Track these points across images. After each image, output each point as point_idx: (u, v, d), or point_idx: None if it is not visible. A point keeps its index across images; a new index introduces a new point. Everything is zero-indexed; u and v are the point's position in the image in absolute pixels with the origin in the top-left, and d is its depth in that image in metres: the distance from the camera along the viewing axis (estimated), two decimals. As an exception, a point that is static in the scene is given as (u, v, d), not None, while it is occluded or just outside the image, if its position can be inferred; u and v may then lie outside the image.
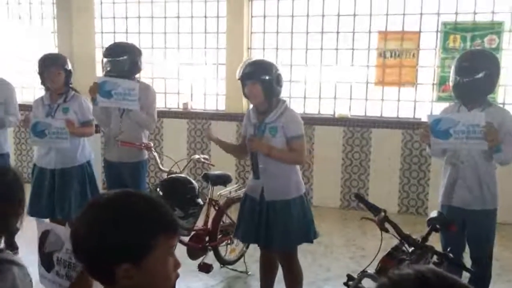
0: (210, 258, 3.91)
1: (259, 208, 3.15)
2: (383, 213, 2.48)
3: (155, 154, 3.81)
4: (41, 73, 4.02)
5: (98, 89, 3.76)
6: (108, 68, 3.91)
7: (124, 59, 3.89)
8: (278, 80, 3.12)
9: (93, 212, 1.13)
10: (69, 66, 4.08)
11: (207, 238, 3.85)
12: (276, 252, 3.26)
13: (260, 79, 3.06)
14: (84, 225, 1.11)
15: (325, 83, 6.01)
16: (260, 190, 3.15)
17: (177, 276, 1.19)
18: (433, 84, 5.62)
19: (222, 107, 6.36)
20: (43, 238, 1.87)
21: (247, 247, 4.09)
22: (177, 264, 1.17)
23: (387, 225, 2.48)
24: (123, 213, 1.10)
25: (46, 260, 1.86)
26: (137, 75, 4.11)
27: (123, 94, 3.73)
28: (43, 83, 4.09)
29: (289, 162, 3.14)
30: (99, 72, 4.17)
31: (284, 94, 3.27)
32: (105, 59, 3.95)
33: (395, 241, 2.51)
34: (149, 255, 1.08)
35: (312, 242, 3.29)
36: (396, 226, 2.46)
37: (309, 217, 3.23)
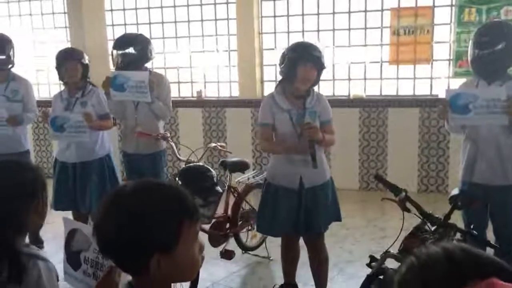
0: (231, 245, 3.93)
1: (297, 197, 3.07)
2: (404, 193, 2.45)
3: (172, 144, 3.82)
4: (59, 67, 4.05)
5: (111, 83, 3.77)
6: (119, 61, 3.92)
7: (132, 50, 3.89)
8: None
9: (117, 206, 1.12)
10: (86, 60, 4.10)
11: (227, 225, 3.86)
12: (304, 237, 3.24)
13: (321, 65, 3.00)
14: (110, 221, 1.11)
15: (339, 64, 5.95)
16: (298, 180, 3.07)
17: (203, 258, 1.21)
18: (449, 59, 5.52)
19: (235, 93, 6.35)
20: (70, 236, 1.88)
21: (268, 233, 4.09)
22: (201, 247, 1.19)
23: (408, 205, 2.45)
24: (150, 204, 1.10)
25: (73, 259, 1.88)
26: (149, 65, 4.10)
27: (135, 87, 3.73)
28: (60, 78, 4.13)
29: (330, 146, 3.13)
30: (112, 65, 4.19)
31: None
32: (114, 52, 3.97)
33: (416, 221, 2.49)
34: (177, 243, 1.10)
35: (341, 220, 3.31)
36: (418, 205, 2.44)
37: (337, 196, 3.26)
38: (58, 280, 1.59)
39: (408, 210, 2.44)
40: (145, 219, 1.08)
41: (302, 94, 3.05)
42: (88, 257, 1.79)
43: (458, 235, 2.53)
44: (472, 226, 2.65)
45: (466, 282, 0.73)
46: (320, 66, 3.00)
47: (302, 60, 2.94)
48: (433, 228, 2.51)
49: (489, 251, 2.97)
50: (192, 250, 1.15)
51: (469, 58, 3.19)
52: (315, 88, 3.17)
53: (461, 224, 3.06)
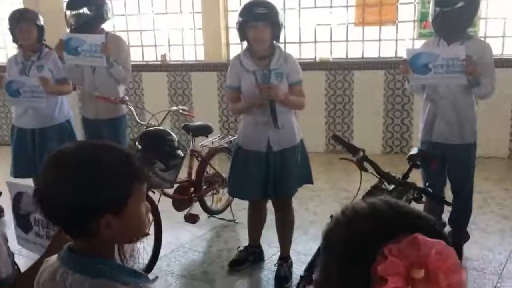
0: (196, 209, 3.92)
1: (265, 160, 3.04)
2: (361, 153, 2.46)
3: (131, 107, 3.73)
4: (12, 29, 3.88)
5: (65, 47, 3.63)
6: (72, 22, 3.76)
7: (86, 10, 3.73)
8: (283, 24, 3.00)
9: (65, 168, 1.07)
10: (41, 22, 3.92)
11: (192, 190, 3.84)
12: (272, 199, 3.24)
13: (274, 22, 2.88)
14: (58, 184, 1.06)
15: (305, 26, 5.88)
16: (266, 143, 3.04)
17: (149, 219, 1.21)
18: (414, 21, 5.52)
19: (200, 57, 6.22)
20: (17, 200, 1.83)
21: (233, 197, 4.10)
22: (147, 209, 1.18)
23: (366, 165, 2.47)
24: (100, 166, 1.08)
25: (23, 222, 1.84)
26: (110, 28, 3.96)
27: (90, 51, 3.60)
28: (14, 40, 3.96)
29: (297, 107, 3.07)
30: (67, 27, 4.02)
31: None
32: (68, 12, 3.80)
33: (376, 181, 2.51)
34: (127, 204, 1.09)
35: (313, 183, 3.29)
36: (375, 164, 2.45)
37: (309, 160, 3.22)
38: (7, 241, 1.54)
39: (366, 170, 2.46)
40: (95, 179, 1.06)
41: (265, 55, 2.98)
42: (38, 218, 1.76)
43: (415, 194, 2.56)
44: (427, 184, 2.70)
45: (391, 237, 0.72)
46: (272, 22, 2.89)
47: (250, 21, 2.89)
48: (391, 187, 2.55)
49: (448, 208, 3.06)
50: (140, 211, 1.14)
51: (430, 17, 3.19)
52: (282, 48, 3.09)
53: (421, 183, 3.14)
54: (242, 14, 2.95)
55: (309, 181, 3.25)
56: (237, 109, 3.19)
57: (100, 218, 1.07)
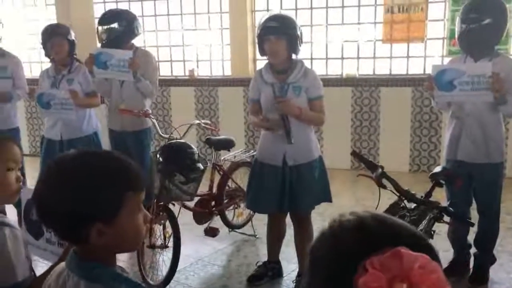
0: (217, 223, 3.92)
1: (281, 174, 3.05)
2: (380, 169, 2.43)
3: (154, 121, 3.79)
4: (44, 44, 4.02)
5: (94, 61, 3.73)
6: (104, 37, 3.88)
7: (116, 25, 3.84)
8: (301, 37, 2.99)
9: (58, 176, 1.10)
10: (72, 36, 4.05)
11: (213, 203, 3.85)
12: (291, 214, 3.23)
13: (286, 34, 2.89)
14: (52, 189, 1.09)
15: (332, 42, 5.87)
16: (282, 157, 3.04)
17: (147, 229, 1.21)
18: (443, 38, 5.44)
19: (228, 72, 6.29)
20: (29, 206, 1.86)
21: (254, 212, 4.09)
22: (146, 218, 1.17)
23: (385, 182, 2.43)
24: (90, 174, 1.08)
25: (34, 228, 1.87)
26: (141, 44, 4.06)
27: (118, 66, 3.70)
28: (47, 54, 4.10)
29: (314, 123, 3.05)
30: (98, 42, 4.14)
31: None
32: (99, 28, 3.92)
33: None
34: (120, 212, 1.09)
35: (331, 201, 3.24)
36: (394, 182, 2.41)
37: (327, 176, 3.19)
38: (25, 247, 1.57)
39: (385, 187, 2.42)
40: (86, 187, 1.06)
41: (284, 68, 3.00)
42: None
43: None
44: (449, 203, 2.63)
45: (375, 251, 0.71)
46: (286, 35, 2.89)
47: (264, 35, 2.93)
48: (413, 206, 2.50)
49: (474, 229, 2.96)
50: (135, 221, 1.14)
51: (456, 34, 3.14)
52: (304, 63, 3.09)
53: (446, 202, 3.06)
54: (258, 28, 3.01)
55: (327, 199, 3.20)
56: (253, 123, 3.23)
57: (91, 225, 1.07)
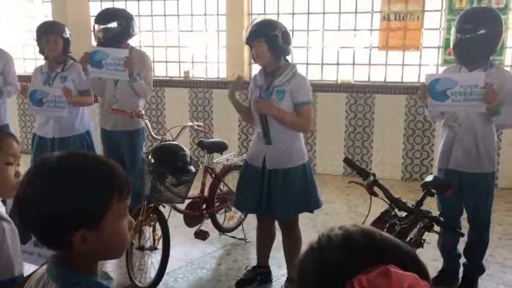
0: (208, 226, 3.90)
1: (261, 177, 3.07)
2: (372, 177, 2.42)
3: (147, 121, 3.77)
4: (39, 41, 3.99)
5: (90, 59, 3.71)
6: (100, 36, 3.86)
7: (114, 25, 3.82)
8: (284, 37, 2.98)
9: (42, 177, 1.06)
10: (67, 34, 4.03)
11: (204, 206, 3.83)
12: (276, 219, 3.23)
13: (265, 35, 2.93)
14: (33, 192, 1.05)
15: (328, 48, 5.88)
16: (262, 159, 3.06)
17: (132, 236, 1.17)
18: (438, 47, 5.46)
19: (223, 75, 6.28)
20: (15, 209, 1.84)
21: (245, 215, 4.08)
22: (131, 224, 1.14)
23: (376, 190, 2.42)
24: (75, 177, 1.05)
25: (20, 232, 1.84)
26: (136, 43, 4.04)
27: (113, 64, 3.68)
28: (41, 51, 4.07)
29: (296, 127, 3.04)
30: (94, 41, 4.12)
31: (289, 54, 3.13)
32: (96, 26, 3.90)
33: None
34: (104, 218, 1.06)
35: (312, 212, 3.23)
36: (386, 190, 2.40)
37: (311, 186, 3.13)
38: (19, 241, 1.56)
39: (376, 195, 2.41)
40: (72, 192, 1.03)
41: (271, 72, 3.03)
42: None
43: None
44: (440, 213, 2.63)
45: (363, 268, 0.69)
46: (266, 39, 2.93)
47: (249, 40, 3.02)
48: (404, 214, 2.49)
49: (464, 238, 2.96)
50: (120, 227, 1.10)
51: (451, 44, 3.15)
52: (296, 68, 3.09)
53: (437, 211, 3.06)
54: (244, 35, 3.09)
55: (308, 209, 3.17)
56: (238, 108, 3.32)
57: (74, 231, 1.04)
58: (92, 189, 1.05)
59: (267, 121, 3.00)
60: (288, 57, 3.11)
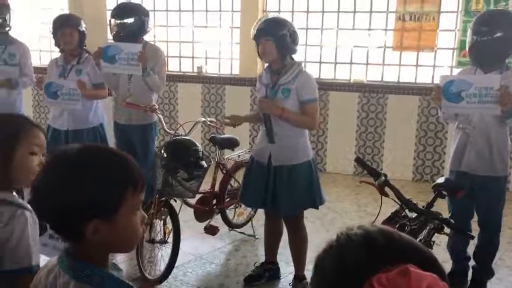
0: (218, 222, 3.93)
1: (266, 173, 3.10)
2: (383, 177, 2.42)
3: (160, 116, 3.80)
4: (55, 33, 4.03)
5: (103, 54, 3.74)
6: (116, 30, 3.89)
7: (130, 20, 3.85)
8: (292, 36, 3.01)
9: (59, 169, 1.09)
10: (83, 27, 4.07)
11: (214, 201, 3.86)
12: (281, 216, 3.25)
13: (273, 34, 2.96)
14: (50, 183, 1.08)
15: (342, 47, 5.87)
16: (267, 155, 3.10)
17: (144, 230, 1.20)
18: (453, 48, 5.43)
19: (236, 71, 6.29)
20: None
21: (255, 211, 4.10)
22: (143, 219, 1.16)
23: (387, 190, 2.42)
24: (92, 169, 1.08)
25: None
26: (151, 38, 4.07)
27: (127, 59, 3.71)
28: (56, 44, 4.11)
29: (301, 125, 3.06)
30: (110, 34, 4.15)
31: (299, 58, 3.19)
32: (112, 21, 3.93)
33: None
34: (118, 211, 1.08)
35: (317, 208, 3.25)
36: (397, 190, 2.41)
37: (316, 183, 3.16)
38: (39, 231, 1.59)
39: (387, 195, 2.42)
40: (88, 183, 1.05)
41: (277, 70, 3.06)
42: None
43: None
44: (450, 215, 2.62)
45: (382, 267, 0.71)
46: (274, 37, 2.95)
47: (256, 38, 3.05)
48: (414, 215, 2.49)
49: (474, 241, 2.95)
50: (133, 220, 1.12)
51: (467, 46, 3.13)
52: (302, 66, 3.11)
53: (447, 213, 3.05)
54: (252, 32, 3.10)
55: (313, 205, 3.19)
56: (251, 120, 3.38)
57: (88, 222, 1.06)
58: (107, 182, 1.07)
59: (270, 120, 3.04)
60: (294, 56, 3.13)
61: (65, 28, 3.96)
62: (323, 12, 5.85)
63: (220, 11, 6.31)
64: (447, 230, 2.47)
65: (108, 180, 1.07)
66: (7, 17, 4.36)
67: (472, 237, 2.51)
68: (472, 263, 3.30)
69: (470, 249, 3.27)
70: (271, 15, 3.25)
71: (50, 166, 1.11)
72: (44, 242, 1.85)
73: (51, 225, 1.15)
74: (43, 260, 1.69)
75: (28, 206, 1.56)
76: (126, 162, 1.12)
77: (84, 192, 1.05)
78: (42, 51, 7.22)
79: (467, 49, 3.14)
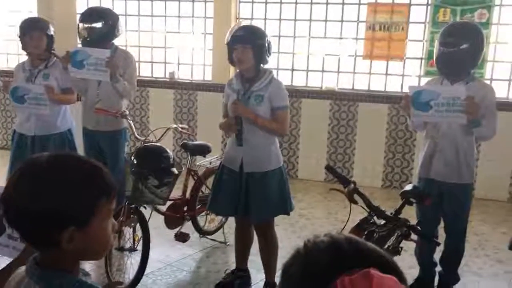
0: (189, 229, 3.90)
1: (238, 180, 3.11)
2: (352, 185, 2.45)
3: (130, 122, 3.75)
4: (22, 37, 3.94)
5: (71, 59, 3.68)
6: (85, 35, 3.83)
7: (99, 24, 3.80)
8: (269, 47, 3.07)
9: (33, 176, 1.07)
10: (51, 31, 3.99)
11: (185, 208, 3.83)
12: (253, 223, 3.25)
13: (252, 43, 2.98)
14: (25, 191, 1.06)
15: (313, 55, 5.93)
16: (239, 162, 3.10)
17: (114, 237, 1.20)
18: (421, 58, 5.56)
19: (209, 77, 6.28)
20: None
21: (226, 218, 4.09)
22: (114, 226, 1.18)
23: (356, 197, 2.46)
24: (68, 177, 1.08)
25: None
26: (122, 43, 4.02)
27: (95, 64, 3.65)
28: (24, 47, 4.02)
29: (272, 131, 3.09)
30: (79, 39, 4.08)
31: (271, 65, 3.22)
32: (80, 25, 3.87)
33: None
34: (92, 219, 1.09)
35: (288, 214, 3.28)
36: (365, 197, 2.44)
37: (287, 189, 3.20)
38: None
39: (356, 202, 2.45)
40: (62, 190, 1.06)
41: (250, 77, 3.08)
42: None
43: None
44: (417, 222, 2.68)
45: (346, 272, 0.73)
46: (252, 45, 2.98)
47: (232, 44, 3.04)
48: (382, 222, 2.53)
49: (440, 248, 3.01)
50: (106, 227, 1.14)
51: (434, 56, 3.22)
52: (273, 74, 3.15)
53: (415, 220, 3.11)
54: (226, 38, 3.10)
55: (284, 211, 3.23)
56: (220, 125, 3.32)
57: (64, 230, 1.06)
58: (83, 189, 1.08)
59: (242, 123, 3.05)
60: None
61: (33, 32, 3.88)
62: (295, 20, 5.91)
63: (193, 16, 6.30)
64: (414, 236, 2.52)
65: (83, 187, 1.08)
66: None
67: (438, 244, 2.56)
68: (438, 268, 3.36)
69: (437, 255, 3.34)
70: (246, 23, 3.26)
71: (23, 176, 1.09)
72: (4, 243, 1.81)
73: (23, 233, 1.13)
74: (7, 260, 1.65)
75: None
76: (100, 171, 1.13)
77: (60, 200, 1.05)
78: (10, 54, 7.05)
79: (434, 59, 3.22)
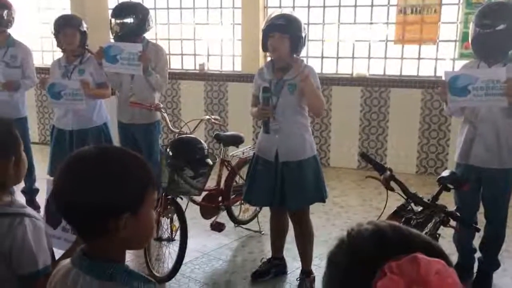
0: (224, 218, 3.95)
1: (274, 170, 3.11)
2: (388, 172, 2.43)
3: (165, 115, 3.81)
4: (56, 34, 4.04)
5: (104, 54, 3.75)
6: (117, 30, 3.90)
7: (130, 19, 3.86)
8: (305, 38, 3.06)
9: (85, 169, 1.11)
10: (84, 27, 4.07)
11: (220, 198, 3.88)
12: (290, 211, 3.26)
13: (290, 33, 2.96)
14: (77, 183, 1.10)
15: (343, 41, 5.86)
16: (274, 152, 3.10)
17: (154, 227, 1.26)
18: (455, 41, 5.42)
19: (238, 68, 6.30)
20: (51, 196, 1.89)
21: (260, 208, 4.12)
22: (154, 216, 1.22)
23: (393, 184, 2.44)
24: (119, 168, 1.12)
25: (54, 218, 1.91)
26: (152, 36, 4.07)
27: (128, 59, 3.71)
28: (58, 44, 4.12)
29: (318, 106, 3.06)
30: (111, 34, 4.16)
31: (301, 53, 3.18)
32: (112, 20, 3.93)
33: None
34: (142, 206, 1.13)
35: (324, 201, 3.27)
36: (402, 184, 2.42)
37: (322, 177, 3.20)
38: (45, 237, 1.61)
39: (392, 189, 2.43)
40: (115, 181, 1.10)
41: (284, 66, 3.06)
42: None
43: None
44: (456, 208, 2.63)
45: (393, 258, 0.73)
46: (290, 34, 2.95)
47: (269, 31, 3.00)
48: (419, 209, 2.51)
49: (480, 234, 2.96)
50: (151, 216, 1.18)
51: (469, 38, 3.13)
52: (304, 62, 3.12)
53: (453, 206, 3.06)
54: (264, 25, 3.07)
55: (321, 199, 3.22)
56: (251, 113, 3.31)
57: (120, 216, 1.10)
58: (133, 179, 1.12)
59: (273, 112, 3.04)
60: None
61: (66, 29, 3.97)
62: (324, 7, 5.84)
63: (221, 7, 6.31)
64: (453, 223, 2.49)
65: (133, 178, 1.12)
66: (4, 14, 4.35)
67: (478, 230, 2.52)
68: (478, 255, 3.31)
69: (476, 241, 3.28)
70: (288, 11, 3.22)
71: (73, 169, 1.13)
72: (58, 235, 1.88)
73: (74, 224, 1.17)
74: (60, 253, 1.72)
75: (28, 212, 1.57)
76: (143, 161, 1.18)
77: (113, 191, 1.09)
78: (45, 51, 7.23)
79: (469, 41, 3.14)
